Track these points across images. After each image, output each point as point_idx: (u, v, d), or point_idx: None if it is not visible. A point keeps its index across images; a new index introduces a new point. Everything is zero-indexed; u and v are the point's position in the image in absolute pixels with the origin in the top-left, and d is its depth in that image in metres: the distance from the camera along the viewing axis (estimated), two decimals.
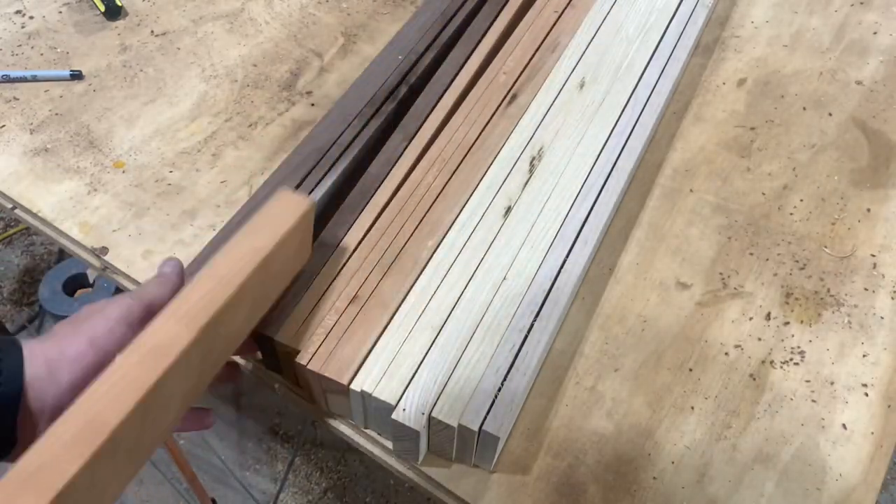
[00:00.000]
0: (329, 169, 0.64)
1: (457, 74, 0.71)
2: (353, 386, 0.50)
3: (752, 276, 0.64)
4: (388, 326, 0.54)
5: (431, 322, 0.54)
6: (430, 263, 0.57)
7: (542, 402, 0.56)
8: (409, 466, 0.54)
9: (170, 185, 0.70)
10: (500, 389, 0.51)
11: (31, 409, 0.40)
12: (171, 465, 1.24)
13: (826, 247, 0.66)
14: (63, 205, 0.69)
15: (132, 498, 1.25)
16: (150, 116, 0.76)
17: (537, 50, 0.74)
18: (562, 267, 0.58)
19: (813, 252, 0.65)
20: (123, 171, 0.71)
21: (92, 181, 0.70)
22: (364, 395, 0.51)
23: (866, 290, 0.63)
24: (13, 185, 0.70)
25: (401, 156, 0.64)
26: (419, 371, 0.51)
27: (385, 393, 0.50)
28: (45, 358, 0.41)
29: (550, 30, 0.76)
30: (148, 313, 0.45)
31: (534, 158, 0.65)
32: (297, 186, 0.63)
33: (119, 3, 0.86)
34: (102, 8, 0.85)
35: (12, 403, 0.39)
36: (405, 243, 0.58)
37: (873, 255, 0.65)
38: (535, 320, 0.54)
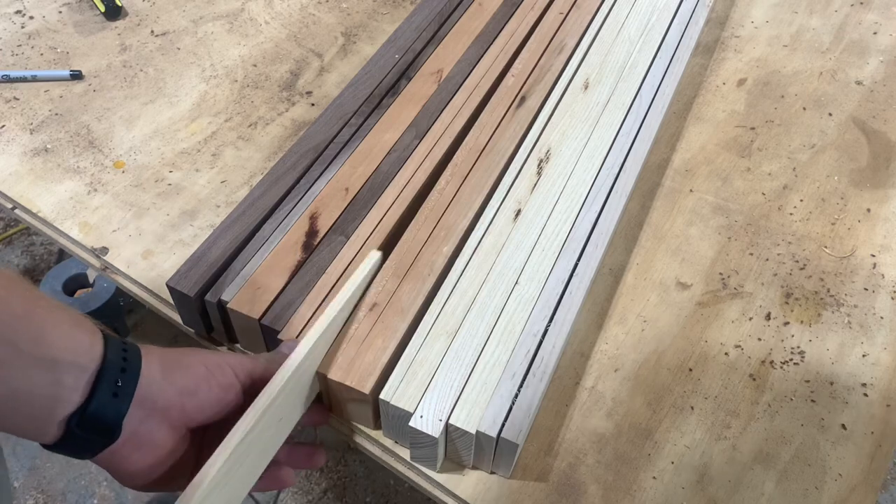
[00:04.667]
0: (328, 165, 0.64)
1: (468, 75, 0.72)
2: (370, 393, 0.50)
3: (752, 276, 0.64)
4: (406, 333, 0.54)
5: (446, 328, 0.54)
6: (443, 269, 0.57)
7: (543, 403, 0.56)
8: (409, 466, 0.54)
9: (170, 185, 0.70)
10: (516, 395, 0.50)
11: (142, 405, 0.41)
12: None
13: (826, 247, 0.66)
14: (63, 205, 0.69)
15: (133, 498, 1.25)
16: (150, 116, 0.76)
17: (544, 52, 0.74)
18: (573, 270, 0.58)
19: (813, 252, 0.65)
20: (123, 171, 0.71)
21: (92, 181, 0.70)
22: (382, 403, 0.50)
23: (866, 290, 0.63)
24: (13, 185, 0.70)
25: (411, 154, 0.65)
26: (435, 377, 0.51)
27: (403, 400, 0.50)
28: (160, 360, 0.43)
29: (556, 32, 0.76)
30: (251, 379, 0.47)
31: (541, 161, 0.65)
32: (295, 183, 0.63)
33: (119, 3, 0.86)
34: (102, 8, 0.85)
35: (129, 394, 0.40)
36: (420, 249, 0.58)
37: (873, 255, 0.65)
38: (549, 325, 0.54)
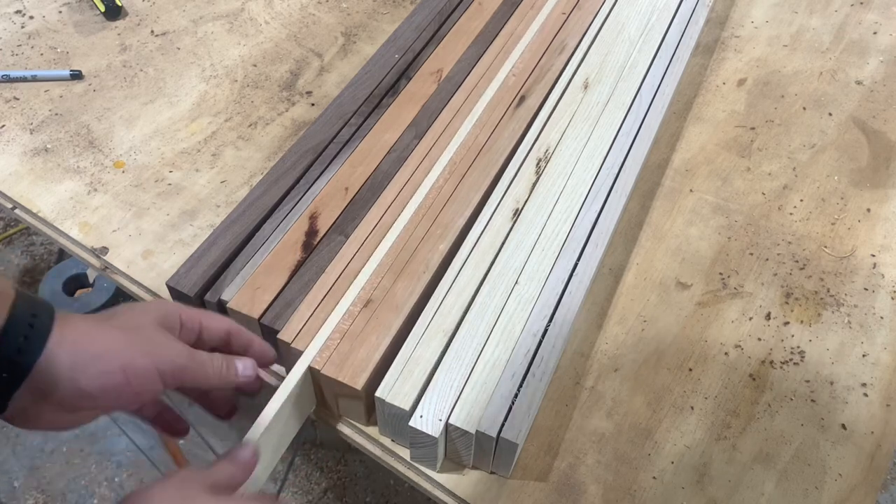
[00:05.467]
0: (327, 165, 0.64)
1: (468, 75, 0.72)
2: (362, 389, 0.50)
3: (752, 276, 0.64)
4: (400, 330, 0.54)
5: (443, 326, 0.54)
6: (439, 267, 0.57)
7: (543, 403, 0.56)
8: (409, 466, 0.54)
9: (170, 185, 0.70)
10: (516, 395, 0.50)
11: (35, 385, 0.38)
12: (171, 466, 1.24)
13: (826, 247, 0.66)
14: (63, 205, 0.69)
15: None
16: (150, 116, 0.76)
17: (545, 52, 0.74)
18: (573, 271, 0.58)
19: (813, 252, 0.65)
20: (123, 171, 0.71)
21: (92, 181, 0.70)
22: (378, 401, 0.50)
23: (866, 290, 0.63)
24: (13, 185, 0.70)
25: (411, 154, 0.65)
26: (435, 376, 0.51)
27: (399, 398, 0.50)
28: (74, 352, 0.39)
29: (558, 32, 0.76)
30: (180, 377, 0.43)
31: (540, 160, 0.65)
32: (295, 183, 0.63)
33: (119, 3, 0.86)
34: (102, 8, 0.85)
35: (18, 378, 0.37)
36: (417, 246, 0.58)
37: (873, 255, 0.65)
38: (548, 325, 0.54)
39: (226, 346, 0.48)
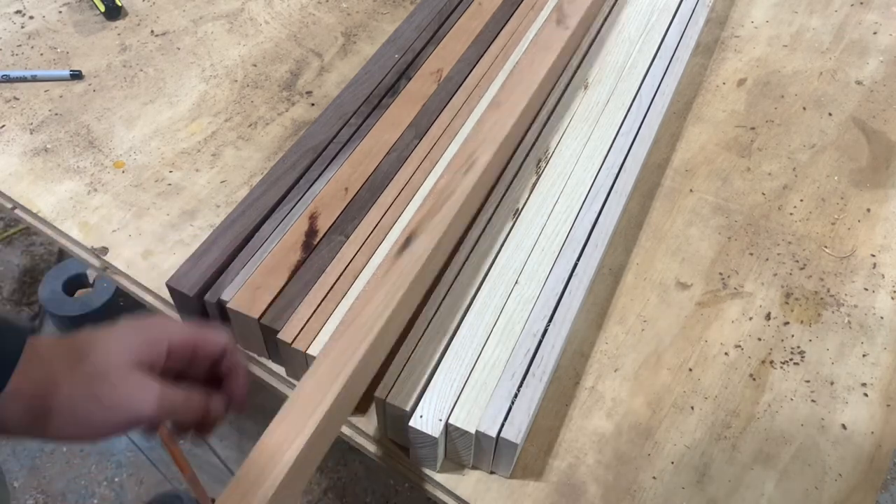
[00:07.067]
0: (327, 165, 0.64)
1: (468, 75, 0.72)
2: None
3: (752, 276, 0.64)
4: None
5: (442, 326, 0.54)
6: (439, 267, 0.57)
7: (543, 403, 0.56)
8: (409, 466, 0.54)
9: (170, 185, 0.70)
10: (516, 395, 0.50)
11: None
12: (171, 466, 1.24)
13: (826, 247, 0.66)
14: (63, 205, 0.69)
15: (133, 498, 1.25)
16: (150, 116, 0.76)
17: None
18: (573, 271, 0.58)
19: (813, 252, 0.65)
20: (123, 171, 0.71)
21: (92, 181, 0.70)
22: (377, 401, 0.50)
23: (866, 290, 0.63)
24: (13, 185, 0.70)
25: (411, 154, 0.65)
26: (435, 376, 0.51)
27: (398, 398, 0.50)
28: (31, 406, 0.38)
29: None
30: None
31: (540, 160, 0.65)
32: (295, 183, 0.63)
33: (119, 3, 0.86)
34: (102, 8, 0.85)
35: None
36: None
37: (873, 255, 0.65)
38: (548, 325, 0.54)
39: (215, 364, 0.45)
